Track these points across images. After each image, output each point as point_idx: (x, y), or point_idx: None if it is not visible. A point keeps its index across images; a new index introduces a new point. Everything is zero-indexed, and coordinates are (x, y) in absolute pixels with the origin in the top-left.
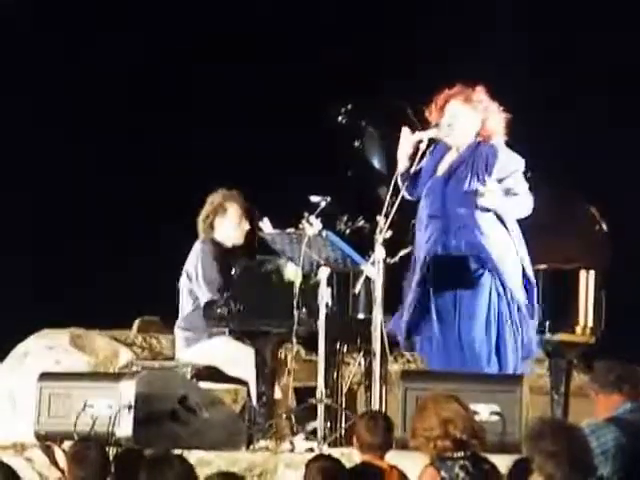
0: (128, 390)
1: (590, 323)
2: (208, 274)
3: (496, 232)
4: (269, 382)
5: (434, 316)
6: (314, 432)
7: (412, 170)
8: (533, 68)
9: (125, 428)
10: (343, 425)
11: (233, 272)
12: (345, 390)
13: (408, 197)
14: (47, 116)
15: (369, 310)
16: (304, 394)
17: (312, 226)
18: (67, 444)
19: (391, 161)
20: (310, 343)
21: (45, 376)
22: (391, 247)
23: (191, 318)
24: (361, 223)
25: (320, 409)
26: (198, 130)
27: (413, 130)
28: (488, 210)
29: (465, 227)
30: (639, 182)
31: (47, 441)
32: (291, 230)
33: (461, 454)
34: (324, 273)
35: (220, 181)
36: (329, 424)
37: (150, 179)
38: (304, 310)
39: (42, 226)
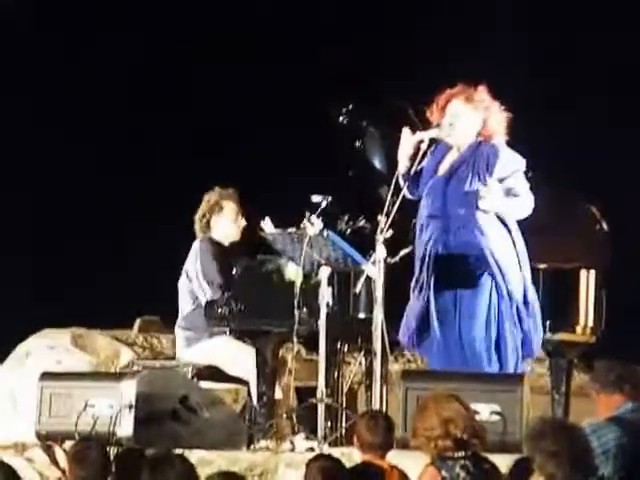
0: (129, 390)
1: (590, 323)
2: (208, 273)
3: (497, 232)
4: (270, 382)
5: (434, 316)
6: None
7: (413, 170)
8: (533, 68)
9: (126, 428)
10: (344, 425)
11: (234, 272)
12: (346, 390)
13: (409, 196)
14: (47, 116)
15: (370, 310)
16: (305, 394)
17: (313, 226)
18: (68, 444)
19: (392, 161)
20: (311, 343)
21: (46, 376)
22: (392, 247)
23: (191, 318)
24: (362, 223)
25: (321, 409)
26: (198, 130)
27: (414, 130)
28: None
29: (465, 227)
30: (639, 182)
31: (48, 441)
32: (292, 230)
33: (462, 454)
34: (325, 273)
35: (220, 181)
36: (330, 424)
37: (150, 179)
38: (305, 310)
39: (42, 226)
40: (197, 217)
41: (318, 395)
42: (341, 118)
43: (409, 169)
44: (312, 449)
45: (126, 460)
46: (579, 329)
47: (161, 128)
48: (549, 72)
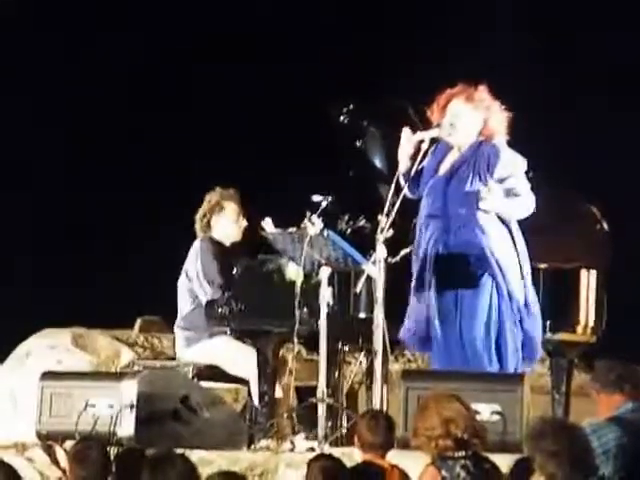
0: (130, 390)
1: (591, 322)
2: (208, 273)
3: (497, 232)
4: (270, 381)
5: (436, 316)
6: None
7: (413, 170)
8: (533, 68)
9: (127, 428)
10: (344, 424)
11: (234, 271)
12: (346, 389)
13: (410, 196)
14: (47, 116)
15: (370, 309)
16: (305, 393)
17: (314, 225)
18: (68, 444)
19: (392, 161)
20: (311, 342)
21: (47, 375)
22: (392, 246)
23: (191, 318)
24: (362, 222)
25: (321, 408)
26: (198, 130)
27: (414, 130)
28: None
29: (466, 227)
30: (639, 182)
31: (48, 441)
32: (293, 229)
33: (462, 453)
34: (325, 272)
35: (220, 181)
36: (330, 423)
37: (150, 179)
38: (305, 309)
39: (42, 226)
40: (198, 217)
41: (319, 395)
42: (341, 118)
43: (409, 169)
44: (313, 449)
45: (127, 460)
46: (579, 329)
47: (161, 128)
48: (549, 72)
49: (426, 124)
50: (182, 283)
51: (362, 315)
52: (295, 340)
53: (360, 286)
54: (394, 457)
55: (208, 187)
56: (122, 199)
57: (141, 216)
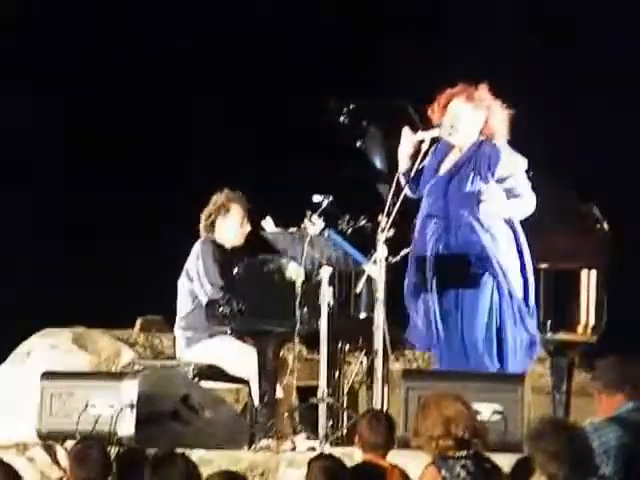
0: (130, 389)
1: (591, 322)
2: (209, 274)
3: (498, 231)
4: (271, 381)
5: (437, 316)
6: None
7: (414, 169)
8: (533, 68)
9: (127, 427)
10: (345, 424)
11: (235, 271)
12: (347, 389)
13: (410, 195)
14: (47, 116)
15: (371, 309)
16: (306, 393)
17: (314, 225)
18: (69, 443)
19: (393, 160)
20: (312, 342)
21: (47, 375)
22: (393, 246)
23: (191, 318)
24: (363, 222)
25: (322, 408)
26: (198, 130)
27: (414, 129)
28: None
29: (466, 226)
30: (639, 182)
31: (49, 440)
32: (293, 229)
33: (463, 453)
34: (326, 272)
35: (220, 181)
36: (331, 423)
37: (150, 179)
38: (306, 309)
39: (42, 226)
40: (203, 216)
41: (319, 395)
42: (342, 118)
43: (410, 168)
44: (313, 449)
45: (127, 460)
46: (580, 329)
47: (161, 128)
48: (549, 72)
49: (426, 124)
50: (182, 283)
51: (363, 315)
52: (296, 340)
53: (361, 286)
54: (395, 457)
55: (208, 187)
56: (122, 199)
57: (141, 216)
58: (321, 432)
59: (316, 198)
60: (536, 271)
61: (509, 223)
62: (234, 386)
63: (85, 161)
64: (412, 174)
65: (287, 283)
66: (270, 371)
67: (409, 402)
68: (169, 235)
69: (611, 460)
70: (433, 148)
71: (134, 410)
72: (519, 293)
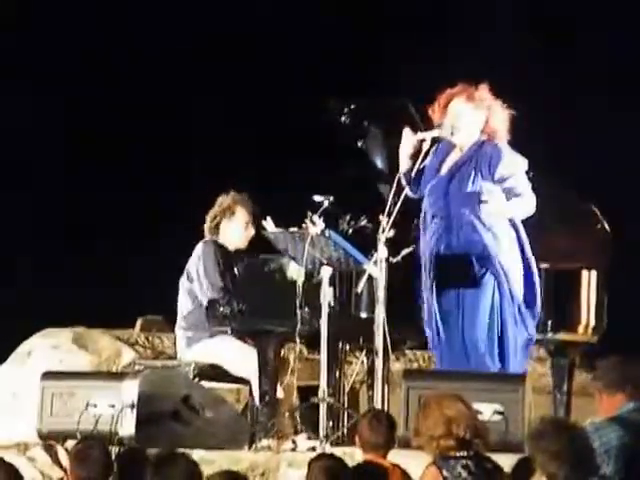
0: (131, 389)
1: (592, 322)
2: (210, 275)
3: (499, 231)
4: (272, 381)
5: (438, 316)
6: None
7: (415, 169)
8: (533, 68)
9: (128, 427)
10: (346, 424)
11: (236, 271)
12: (348, 389)
13: (411, 195)
14: (47, 116)
15: (372, 309)
16: (307, 393)
17: (315, 225)
18: (70, 443)
19: (394, 160)
20: (313, 342)
21: (48, 375)
22: (394, 246)
23: (192, 318)
24: (364, 222)
25: (323, 408)
26: (198, 130)
27: (415, 129)
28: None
29: (468, 226)
30: (639, 182)
31: (50, 440)
32: (294, 229)
33: (464, 453)
34: (327, 272)
35: (221, 181)
36: (332, 423)
37: (150, 179)
38: (307, 309)
39: (42, 226)
40: (208, 217)
41: (320, 394)
42: (342, 118)
43: (411, 168)
44: (314, 448)
45: (128, 460)
46: (580, 329)
47: (161, 128)
48: (549, 72)
49: (427, 123)
50: (183, 284)
51: (363, 315)
52: (297, 340)
53: (361, 286)
54: (395, 457)
55: (208, 187)
56: (122, 199)
57: (141, 216)
58: (322, 432)
59: (317, 198)
60: (537, 271)
61: (511, 222)
62: (235, 386)
63: (85, 161)
64: (413, 174)
65: (288, 283)
66: (271, 371)
67: (410, 402)
68: (169, 235)
69: (612, 460)
70: (434, 148)
71: (135, 410)
72: (520, 293)
